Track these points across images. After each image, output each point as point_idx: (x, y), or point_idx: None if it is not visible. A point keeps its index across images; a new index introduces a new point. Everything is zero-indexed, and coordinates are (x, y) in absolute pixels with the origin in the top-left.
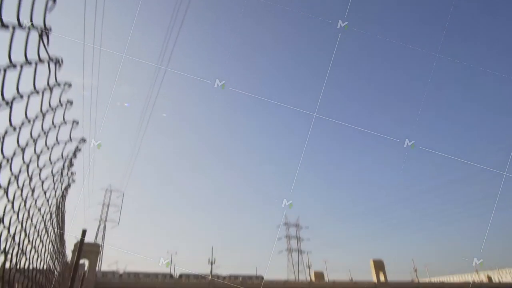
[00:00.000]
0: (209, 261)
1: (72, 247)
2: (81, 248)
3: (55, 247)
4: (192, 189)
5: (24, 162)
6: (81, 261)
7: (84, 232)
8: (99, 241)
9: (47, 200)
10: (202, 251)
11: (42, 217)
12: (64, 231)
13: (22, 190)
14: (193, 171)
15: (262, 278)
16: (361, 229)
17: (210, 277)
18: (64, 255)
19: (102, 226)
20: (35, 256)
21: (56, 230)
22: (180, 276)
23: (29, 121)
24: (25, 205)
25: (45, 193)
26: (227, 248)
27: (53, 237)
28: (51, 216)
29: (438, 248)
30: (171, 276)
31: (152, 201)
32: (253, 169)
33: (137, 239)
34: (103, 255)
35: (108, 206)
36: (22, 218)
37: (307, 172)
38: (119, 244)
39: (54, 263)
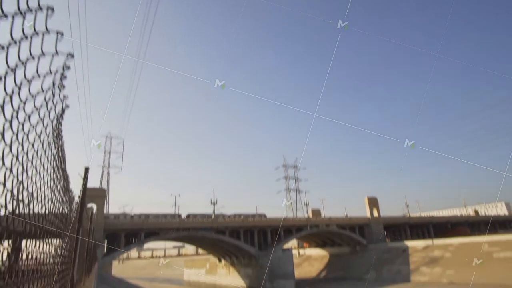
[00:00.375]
0: (211, 202)
1: (79, 192)
2: (86, 185)
3: (59, 183)
4: (193, 135)
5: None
6: (89, 205)
7: (87, 170)
8: (104, 187)
9: (43, 125)
10: (206, 194)
11: (33, 147)
12: (65, 164)
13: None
14: (193, 119)
15: (265, 216)
16: (357, 170)
17: (213, 216)
18: (69, 190)
19: (105, 172)
20: (36, 194)
21: (57, 162)
22: (188, 216)
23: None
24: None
25: (39, 116)
26: (229, 191)
27: (54, 171)
28: (49, 145)
29: (430, 185)
30: (179, 216)
31: (154, 148)
32: (252, 116)
33: (142, 183)
34: (111, 200)
35: (109, 153)
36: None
37: (306, 115)
38: (125, 188)
39: (58, 202)
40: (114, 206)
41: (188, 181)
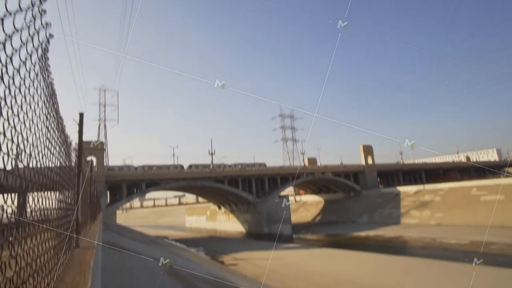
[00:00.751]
0: (209, 152)
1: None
2: (81, 131)
3: (54, 126)
4: (191, 86)
5: None
6: (88, 158)
7: (81, 115)
8: (102, 140)
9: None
10: (204, 145)
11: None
12: (57, 104)
13: None
14: (191, 68)
15: (265, 165)
16: (354, 119)
17: (211, 166)
18: (64, 133)
19: (102, 126)
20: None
21: (48, 100)
22: (190, 166)
23: None
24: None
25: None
26: (229, 142)
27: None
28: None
29: (425, 133)
30: (181, 167)
31: (151, 100)
32: (249, 66)
33: (140, 136)
34: (111, 153)
35: (104, 106)
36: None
37: (302, 65)
38: (125, 141)
39: (56, 145)
40: (115, 159)
41: (186, 133)
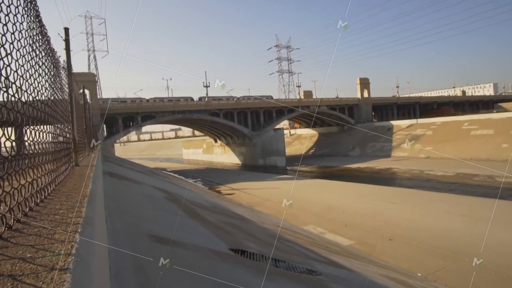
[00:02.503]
0: (203, 85)
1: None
2: (69, 47)
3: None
4: (184, 15)
5: None
6: (80, 91)
7: (67, 30)
8: (93, 72)
9: None
10: (198, 77)
11: None
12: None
13: None
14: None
15: (272, 97)
16: (352, 50)
17: (206, 99)
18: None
19: (92, 56)
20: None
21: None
22: (200, 99)
23: None
24: None
25: None
26: (222, 74)
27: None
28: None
29: (423, 67)
30: (191, 99)
31: (143, 30)
32: None
33: (133, 69)
34: (105, 85)
35: (92, 34)
36: None
37: None
38: (116, 74)
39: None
40: (108, 92)
41: (180, 65)
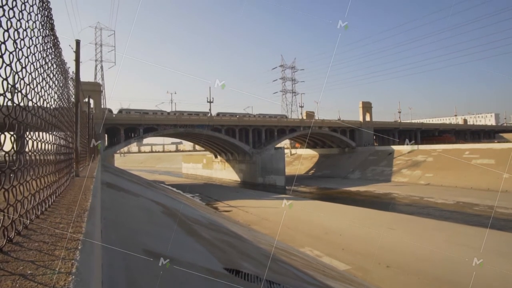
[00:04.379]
0: (207, 100)
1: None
2: (78, 59)
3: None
4: (191, 32)
5: None
6: (85, 100)
7: (78, 43)
8: (99, 82)
9: None
10: (203, 92)
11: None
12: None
13: None
14: (189, 17)
15: (286, 116)
16: (355, 74)
17: (209, 114)
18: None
19: (99, 66)
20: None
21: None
22: (190, 113)
23: None
24: None
25: None
26: (224, 91)
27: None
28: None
29: (426, 94)
30: (205, 114)
31: (151, 44)
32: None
33: (138, 80)
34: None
35: (101, 45)
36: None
37: (304, 16)
38: (121, 85)
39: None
40: (113, 102)
41: (185, 80)
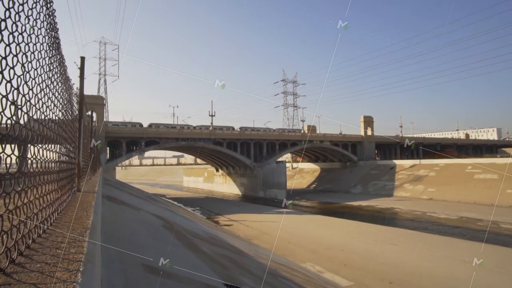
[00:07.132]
0: (209, 114)
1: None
2: (83, 75)
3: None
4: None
5: None
6: (88, 113)
7: (83, 59)
8: (102, 95)
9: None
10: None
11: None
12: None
13: None
14: (193, 29)
15: (300, 131)
16: (357, 88)
17: (211, 128)
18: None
19: (102, 80)
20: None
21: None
22: (194, 127)
23: None
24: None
25: None
26: (226, 105)
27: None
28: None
29: (427, 108)
30: (188, 127)
31: (153, 57)
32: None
33: (141, 94)
34: (112, 109)
35: (105, 59)
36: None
37: (307, 30)
38: (124, 98)
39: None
40: (115, 115)
41: (187, 93)
